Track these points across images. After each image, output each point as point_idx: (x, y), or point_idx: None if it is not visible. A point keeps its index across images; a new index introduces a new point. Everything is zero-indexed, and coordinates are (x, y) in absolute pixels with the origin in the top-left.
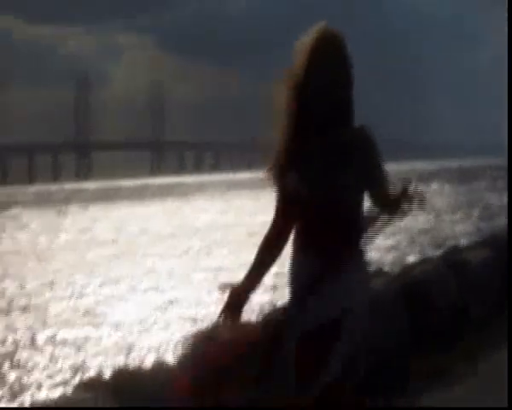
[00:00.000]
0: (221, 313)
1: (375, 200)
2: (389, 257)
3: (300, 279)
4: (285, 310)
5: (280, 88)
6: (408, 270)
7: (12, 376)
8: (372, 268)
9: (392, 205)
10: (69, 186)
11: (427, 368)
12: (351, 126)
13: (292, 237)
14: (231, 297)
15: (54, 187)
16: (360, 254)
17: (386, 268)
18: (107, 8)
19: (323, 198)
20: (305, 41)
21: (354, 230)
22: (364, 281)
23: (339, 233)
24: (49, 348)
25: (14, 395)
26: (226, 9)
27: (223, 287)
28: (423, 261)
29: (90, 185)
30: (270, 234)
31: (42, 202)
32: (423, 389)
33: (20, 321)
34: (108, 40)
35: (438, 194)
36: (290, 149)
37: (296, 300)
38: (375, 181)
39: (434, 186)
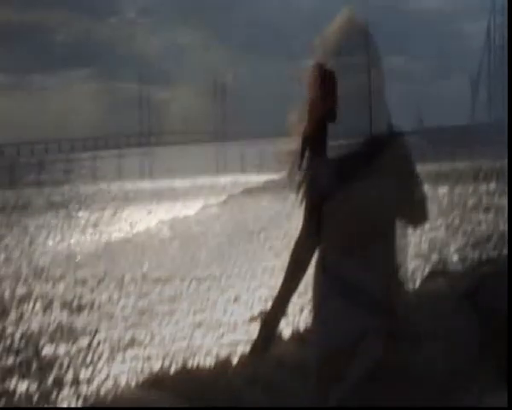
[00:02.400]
0: (253, 347)
1: (406, 210)
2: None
3: (329, 295)
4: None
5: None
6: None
7: None
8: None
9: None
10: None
11: None
12: (383, 126)
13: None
14: (263, 330)
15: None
16: (394, 263)
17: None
18: (171, 7)
19: (356, 205)
20: (332, 30)
21: (389, 239)
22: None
23: (372, 243)
24: None
25: None
26: (292, 8)
27: (254, 318)
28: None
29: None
30: (298, 253)
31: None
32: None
33: None
34: (172, 38)
35: None
36: (318, 150)
37: (326, 315)
38: (408, 188)
39: None
